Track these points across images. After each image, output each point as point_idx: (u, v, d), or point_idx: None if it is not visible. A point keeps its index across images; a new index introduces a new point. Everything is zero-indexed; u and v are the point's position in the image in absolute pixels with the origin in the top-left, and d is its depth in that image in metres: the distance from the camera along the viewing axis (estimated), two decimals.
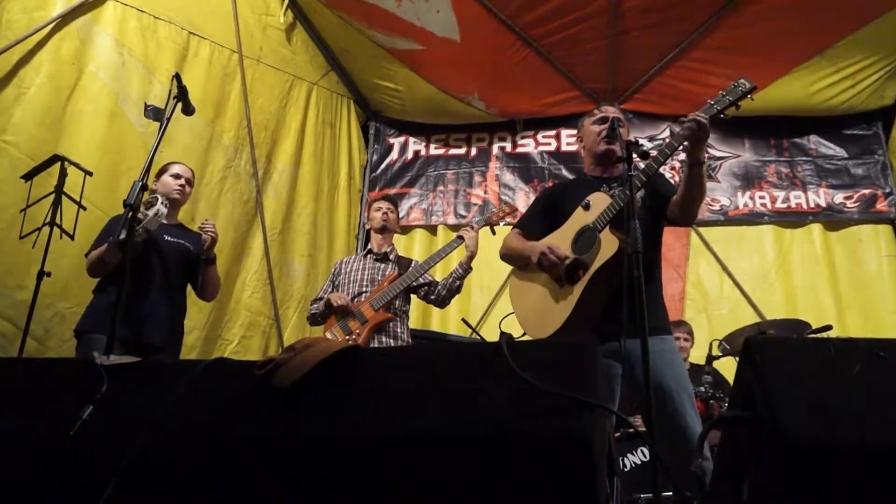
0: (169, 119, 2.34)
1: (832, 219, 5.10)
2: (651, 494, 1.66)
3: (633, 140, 2.06)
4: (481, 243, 3.55)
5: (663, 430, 1.86)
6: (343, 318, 3.43)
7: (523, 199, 5.53)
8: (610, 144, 2.41)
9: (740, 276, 5.04)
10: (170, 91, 2.40)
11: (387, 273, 3.57)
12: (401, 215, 5.47)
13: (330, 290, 3.63)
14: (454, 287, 3.50)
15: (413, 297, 3.68)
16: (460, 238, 3.52)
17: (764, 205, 5.23)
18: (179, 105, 2.41)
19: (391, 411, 1.26)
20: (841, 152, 5.28)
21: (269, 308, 4.65)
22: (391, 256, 3.68)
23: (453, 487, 1.16)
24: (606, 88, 5.33)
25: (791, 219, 5.16)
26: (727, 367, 3.96)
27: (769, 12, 4.43)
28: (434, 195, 5.80)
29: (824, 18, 4.42)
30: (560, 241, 2.32)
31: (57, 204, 2.93)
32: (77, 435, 1.30)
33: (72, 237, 2.95)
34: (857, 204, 5.09)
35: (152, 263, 2.97)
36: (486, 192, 5.71)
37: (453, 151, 5.94)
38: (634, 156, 2.01)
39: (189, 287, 3.23)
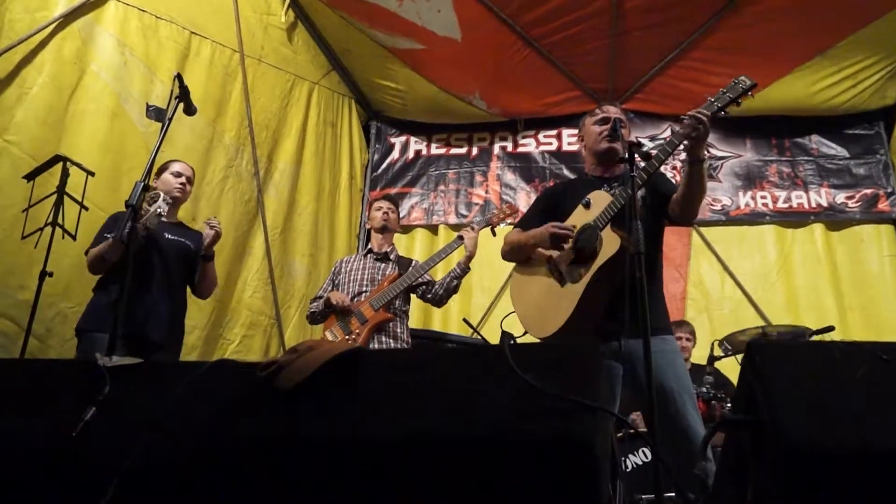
0: (171, 119, 2.34)
1: (834, 219, 5.09)
2: (653, 495, 1.66)
3: (636, 141, 2.06)
4: (482, 243, 3.55)
5: (665, 431, 1.86)
6: (343, 318, 3.43)
7: (524, 198, 5.53)
8: (611, 144, 2.41)
9: (742, 276, 5.04)
10: (171, 91, 2.40)
11: (387, 273, 3.57)
12: (402, 215, 5.48)
13: (330, 288, 3.64)
14: (451, 287, 3.51)
15: (413, 297, 3.68)
16: (460, 238, 3.52)
17: (765, 205, 5.23)
18: (181, 105, 2.41)
19: (392, 412, 1.26)
20: (843, 152, 5.28)
21: (270, 307, 4.65)
22: (391, 256, 3.68)
23: (454, 488, 1.16)
24: (607, 88, 5.33)
25: (792, 219, 5.16)
26: (729, 368, 3.96)
27: (769, 13, 4.42)
28: (435, 195, 5.80)
29: (825, 19, 4.41)
30: None
31: (59, 204, 2.93)
32: (79, 436, 1.31)
33: (74, 237, 2.95)
34: (858, 204, 5.08)
35: (153, 261, 2.97)
36: (487, 192, 5.71)
37: (454, 151, 5.94)
38: (636, 156, 2.01)
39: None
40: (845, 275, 4.91)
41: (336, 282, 3.65)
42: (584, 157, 2.61)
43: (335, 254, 5.26)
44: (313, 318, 3.63)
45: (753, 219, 5.22)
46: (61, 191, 2.96)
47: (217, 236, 3.11)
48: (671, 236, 4.41)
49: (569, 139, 5.68)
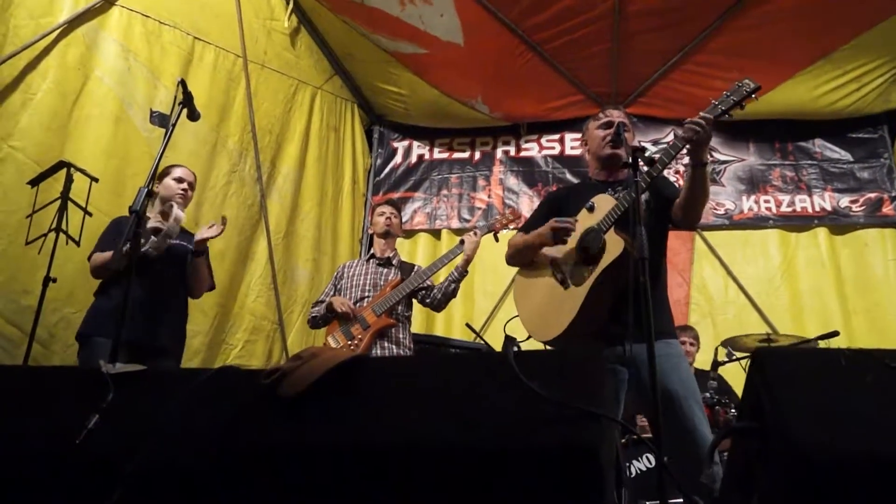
0: (174, 125, 2.35)
1: (838, 223, 5.08)
2: (658, 501, 1.65)
3: (640, 146, 2.06)
4: (486, 249, 3.54)
5: (671, 436, 1.85)
6: (345, 323, 3.42)
7: (527, 202, 5.52)
8: (615, 149, 2.41)
9: (745, 280, 5.02)
10: (175, 96, 2.41)
11: (389, 278, 3.56)
12: (405, 219, 5.48)
13: (332, 293, 3.63)
14: (450, 291, 3.50)
15: (415, 302, 3.68)
16: (462, 243, 3.52)
17: (769, 209, 5.22)
18: (185, 111, 2.42)
19: (395, 419, 1.26)
20: (846, 156, 5.26)
21: (273, 312, 4.65)
22: (394, 261, 3.67)
23: (456, 495, 1.15)
24: (610, 92, 5.33)
25: (796, 223, 5.14)
26: (732, 374, 3.94)
27: (773, 16, 4.42)
28: (438, 199, 5.80)
29: (828, 23, 4.41)
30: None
31: (63, 210, 2.94)
32: (83, 443, 1.31)
33: (77, 243, 2.96)
34: (862, 208, 5.07)
35: (154, 266, 2.97)
36: (489, 196, 5.71)
37: (457, 155, 5.95)
38: (640, 162, 2.01)
39: None
40: (849, 279, 4.89)
41: (338, 287, 3.65)
42: (587, 161, 2.61)
43: (338, 258, 5.26)
44: (314, 323, 3.63)
45: (757, 223, 5.20)
46: (65, 196, 2.97)
47: (215, 233, 3.02)
48: (674, 241, 4.37)
49: (572, 143, 5.68)
